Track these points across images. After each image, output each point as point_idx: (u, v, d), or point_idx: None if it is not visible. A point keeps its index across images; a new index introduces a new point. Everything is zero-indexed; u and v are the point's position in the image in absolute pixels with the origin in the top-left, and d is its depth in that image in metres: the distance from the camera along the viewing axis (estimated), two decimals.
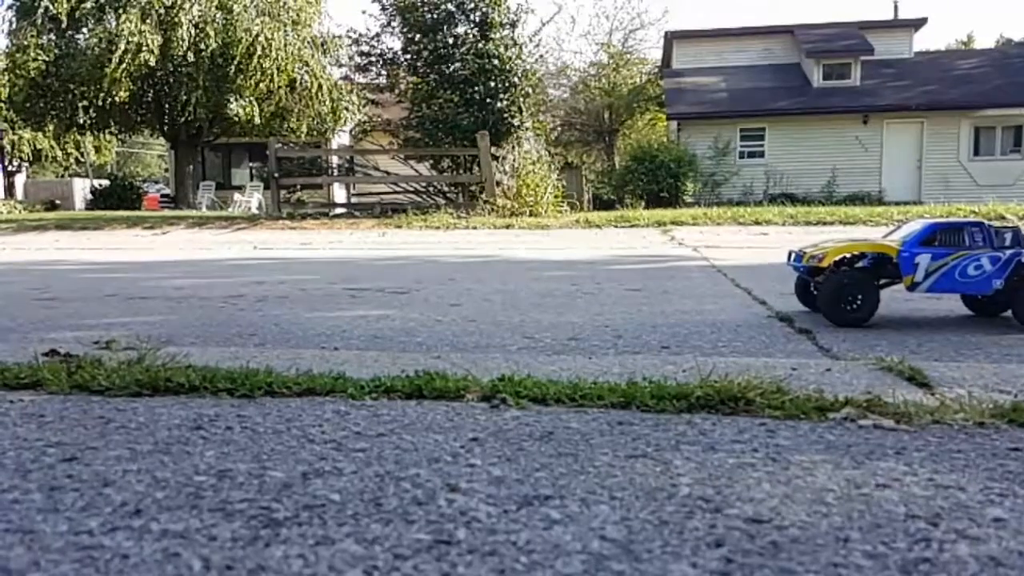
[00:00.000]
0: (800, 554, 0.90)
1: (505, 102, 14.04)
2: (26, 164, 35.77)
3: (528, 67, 14.78)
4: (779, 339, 2.57)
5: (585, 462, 1.21)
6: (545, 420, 1.47)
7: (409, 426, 1.44)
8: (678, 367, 1.97)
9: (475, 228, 10.74)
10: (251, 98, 19.71)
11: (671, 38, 23.87)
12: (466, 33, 14.29)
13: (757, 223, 10.54)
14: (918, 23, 23.00)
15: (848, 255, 3.03)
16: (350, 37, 16.01)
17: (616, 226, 10.75)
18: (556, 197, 13.18)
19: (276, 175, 14.04)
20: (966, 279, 2.83)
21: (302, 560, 0.87)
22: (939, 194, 18.71)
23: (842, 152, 20.25)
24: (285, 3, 19.89)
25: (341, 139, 23.49)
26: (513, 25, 14.56)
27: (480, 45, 13.99)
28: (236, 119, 20.25)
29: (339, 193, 20.64)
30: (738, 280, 4.51)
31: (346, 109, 20.50)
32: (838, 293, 2.82)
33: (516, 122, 14.11)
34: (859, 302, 2.82)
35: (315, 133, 21.25)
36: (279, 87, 19.35)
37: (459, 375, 1.81)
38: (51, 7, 18.99)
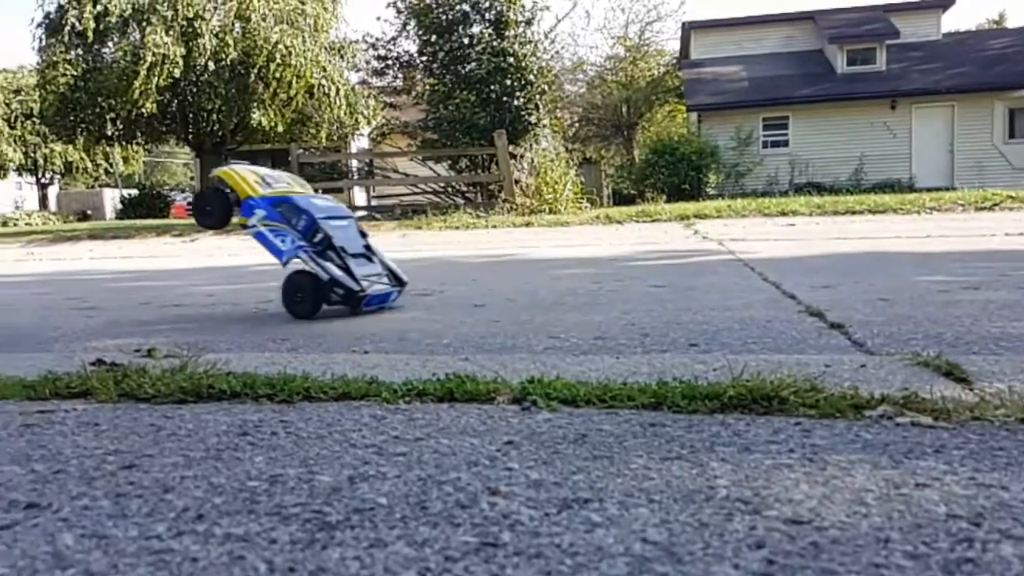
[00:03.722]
0: (841, 555, 0.91)
1: (521, 100, 14.05)
2: (58, 176, 36.50)
3: (544, 64, 14.78)
4: (811, 334, 2.56)
5: (621, 465, 1.23)
6: (577, 422, 1.49)
7: (444, 430, 1.47)
8: (708, 366, 1.97)
9: (494, 227, 10.77)
10: (272, 106, 19.93)
11: (689, 28, 23.71)
12: (481, 32, 14.33)
13: (783, 214, 10.42)
14: (945, 3, 22.56)
15: None
16: (366, 42, 16.14)
17: (637, 221, 10.70)
18: (575, 193, 13.17)
19: None
20: None
21: (358, 562, 0.91)
22: (973, 178, 18.32)
23: (869, 139, 19.97)
24: (303, 11, 20.06)
25: (360, 143, 23.65)
26: (528, 23, 14.57)
27: (495, 44, 14.02)
28: (259, 127, 20.49)
29: (359, 196, 20.80)
30: (765, 274, 4.48)
31: (362, 114, 20.64)
32: None
33: (533, 120, 14.12)
34: None
35: (335, 138, 21.42)
36: (298, 93, 19.54)
37: (488, 377, 1.83)
38: (77, 23, 19.33)
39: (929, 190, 15.50)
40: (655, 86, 27.50)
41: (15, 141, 33.08)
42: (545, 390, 1.69)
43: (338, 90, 20.17)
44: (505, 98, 13.95)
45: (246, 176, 3.59)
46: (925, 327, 2.59)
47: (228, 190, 3.61)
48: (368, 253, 3.72)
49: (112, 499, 1.13)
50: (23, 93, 32.46)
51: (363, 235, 3.79)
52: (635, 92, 27.44)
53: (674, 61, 26.97)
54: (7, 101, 33.34)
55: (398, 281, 3.76)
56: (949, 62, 20.58)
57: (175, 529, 1.02)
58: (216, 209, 3.60)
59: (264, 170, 3.80)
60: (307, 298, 3.43)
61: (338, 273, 3.38)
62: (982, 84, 19.46)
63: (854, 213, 10.21)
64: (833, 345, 2.37)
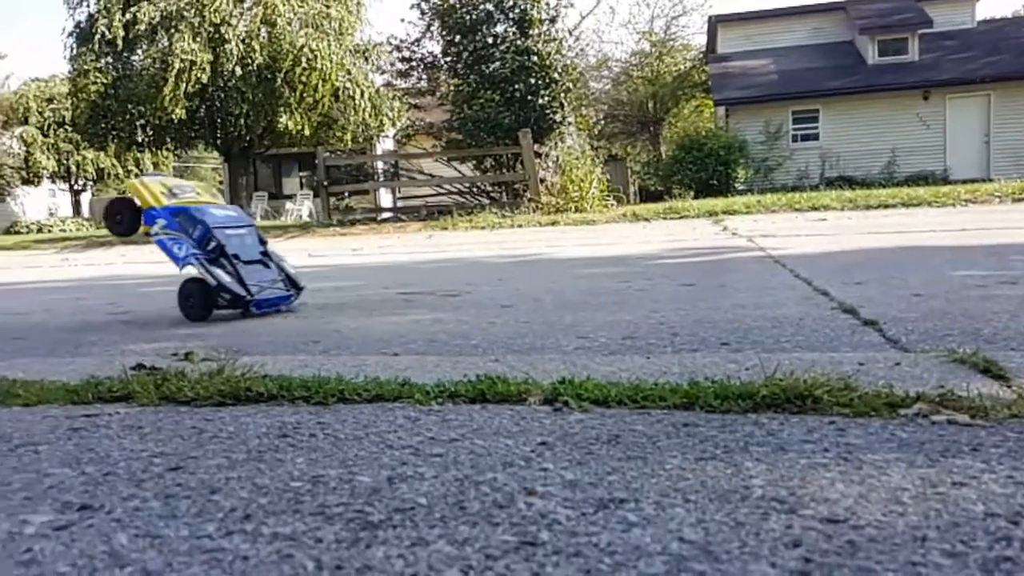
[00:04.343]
0: (878, 553, 0.91)
1: (546, 98, 14.04)
2: (90, 183, 37.27)
3: (568, 62, 14.76)
4: (844, 332, 2.54)
5: (655, 465, 1.24)
6: (610, 423, 1.50)
7: (478, 431, 1.49)
8: (740, 365, 1.97)
9: (520, 227, 10.78)
10: (299, 109, 20.14)
11: (715, 22, 23.49)
12: (505, 31, 14.35)
13: (814, 208, 10.29)
14: None
15: None
16: (391, 44, 16.24)
17: (665, 218, 10.65)
18: (601, 191, 13.14)
19: (325, 183, 14.35)
20: None
21: (402, 560, 0.93)
22: (1010, 169, 17.91)
23: (902, 131, 19.61)
24: (328, 14, 20.24)
25: (385, 144, 23.81)
26: (552, 20, 14.56)
27: (519, 43, 14.02)
28: (286, 130, 20.73)
29: (385, 198, 20.94)
30: (797, 270, 4.44)
31: (387, 115, 20.77)
32: None
33: (558, 118, 14.10)
34: None
35: (360, 140, 21.58)
36: (324, 96, 19.72)
37: (519, 378, 1.84)
38: (107, 32, 19.70)
39: (964, 182, 15.19)
40: (681, 81, 27.31)
41: (48, 149, 33.82)
42: (576, 391, 1.70)
43: (363, 92, 20.32)
44: (530, 97, 13.95)
45: (152, 188, 3.85)
46: (961, 323, 2.56)
47: (137, 201, 3.92)
48: (265, 260, 3.95)
49: (161, 500, 1.16)
50: (55, 101, 33.17)
51: (262, 242, 4.03)
52: (661, 88, 27.27)
53: (701, 56, 26.75)
54: (40, 110, 34.09)
55: (294, 285, 4.00)
56: (984, 50, 20.12)
57: (224, 529, 1.05)
58: (126, 218, 3.92)
59: (174, 181, 4.07)
60: (197, 303, 3.70)
61: (226, 279, 3.63)
62: (1020, 72, 19.00)
63: (887, 207, 10.05)
64: (867, 342, 2.35)
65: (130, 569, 0.94)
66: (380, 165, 18.24)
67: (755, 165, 19.48)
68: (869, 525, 0.98)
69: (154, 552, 0.98)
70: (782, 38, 22.22)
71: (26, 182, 32.84)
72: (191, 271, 3.72)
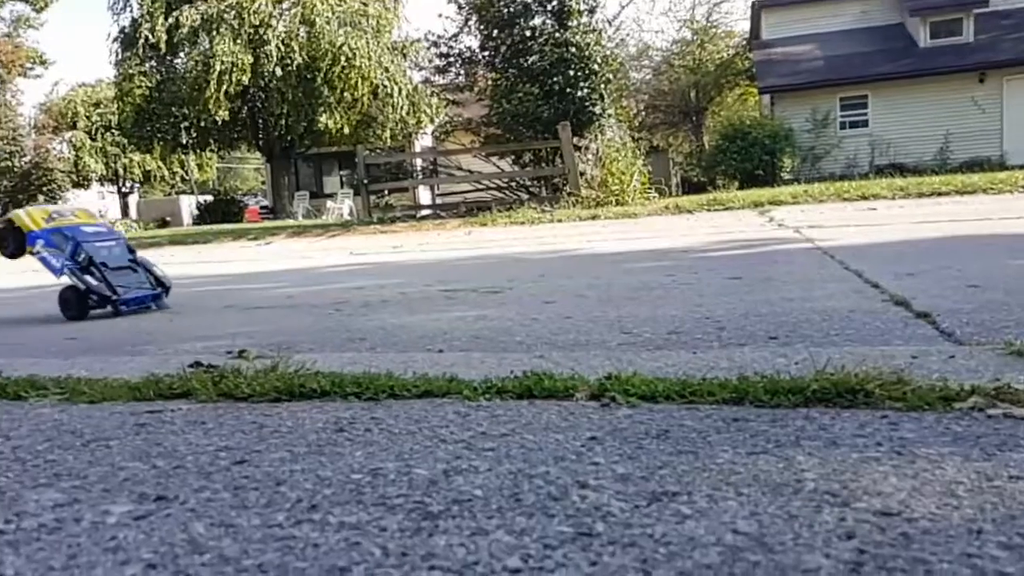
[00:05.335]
0: (933, 545, 0.92)
1: (585, 90, 13.94)
2: (137, 185, 38.31)
3: (608, 52, 14.62)
4: (896, 325, 2.50)
5: (706, 459, 1.26)
6: (658, 418, 1.51)
7: (528, 426, 1.52)
8: (789, 359, 1.96)
9: (560, 221, 10.76)
10: (338, 108, 20.40)
11: (759, 8, 23.08)
12: (543, 24, 14.28)
13: (863, 198, 10.05)
14: None
15: None
16: (428, 40, 16.30)
17: (709, 210, 10.52)
18: (643, 183, 13.03)
19: (365, 182, 14.51)
20: None
21: (464, 548, 0.97)
22: None
23: (956, 115, 18.99)
24: (365, 12, 20.44)
25: (424, 141, 23.99)
26: (591, 11, 14.45)
27: (558, 35, 13.94)
28: (326, 130, 21.01)
29: (424, 195, 21.10)
30: (846, 262, 4.37)
31: (425, 112, 20.91)
32: None
33: (597, 110, 14.00)
34: None
35: (399, 137, 21.78)
36: (363, 95, 19.94)
37: (565, 374, 1.86)
38: (150, 36, 20.20)
39: (1022, 168, 14.69)
40: (724, 69, 26.89)
41: (96, 153, 34.84)
42: (623, 386, 1.71)
43: (400, 90, 20.50)
44: (569, 89, 13.87)
45: (34, 215, 4.65)
46: (1018, 314, 2.50)
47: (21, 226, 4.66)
48: (133, 266, 4.66)
49: (231, 491, 1.22)
50: (102, 106, 34.14)
51: (131, 251, 4.75)
52: (703, 76, 26.88)
53: (744, 42, 26.32)
54: (88, 114, 35.11)
55: (161, 285, 4.66)
56: None
57: (293, 518, 1.10)
58: (12, 242, 4.65)
59: (56, 208, 4.89)
60: (73, 306, 4.37)
61: (93, 284, 4.35)
62: None
63: (940, 195, 9.77)
64: (920, 335, 2.31)
65: (209, 555, 0.99)
66: (419, 162, 18.38)
67: (802, 154, 19.10)
68: (923, 518, 0.99)
69: (229, 540, 1.03)
70: (828, 22, 21.69)
71: (76, 185, 33.90)
72: (67, 280, 4.42)
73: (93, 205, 36.72)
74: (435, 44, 16.00)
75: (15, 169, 27.77)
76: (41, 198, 29.85)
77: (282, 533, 1.05)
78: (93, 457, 1.46)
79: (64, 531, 1.10)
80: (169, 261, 10.41)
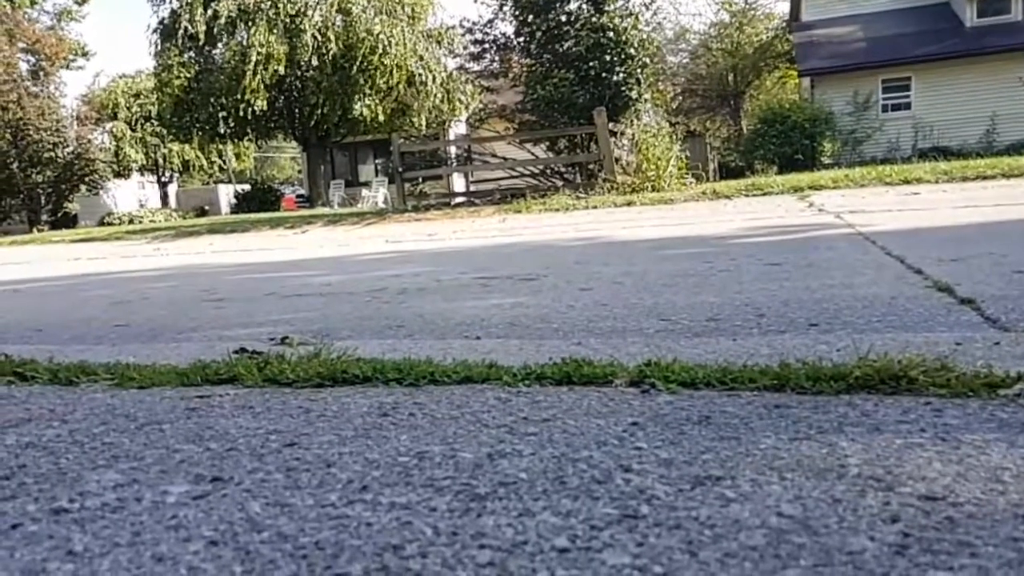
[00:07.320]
0: (978, 528, 0.92)
1: (621, 75, 13.80)
2: (176, 174, 39.05)
3: (645, 36, 14.44)
4: (939, 311, 2.46)
5: (749, 445, 1.26)
6: (699, 404, 1.52)
7: (569, 411, 1.54)
8: (831, 346, 1.95)
9: (595, 208, 10.71)
10: (373, 97, 20.53)
11: None
12: (579, 8, 14.17)
13: (906, 182, 9.83)
14: None
15: None
16: (463, 27, 16.28)
17: (747, 195, 10.38)
18: (679, 169, 12.88)
19: (400, 170, 14.60)
20: None
21: (512, 528, 1.00)
22: None
23: (1002, 96, 18.41)
24: (401, 0, 20.49)
25: (458, 129, 24.02)
26: None
27: (594, 19, 13.81)
28: (361, 118, 21.16)
29: (458, 182, 21.15)
30: (888, 247, 4.30)
31: (459, 100, 20.92)
32: None
33: (634, 95, 13.86)
34: None
35: (433, 125, 21.85)
36: (399, 82, 20.02)
37: (604, 361, 1.87)
38: (189, 27, 20.50)
39: None
40: (763, 52, 26.43)
41: (136, 143, 35.53)
42: (663, 373, 1.71)
43: (435, 78, 20.54)
44: (604, 74, 13.75)
45: None
46: None
47: None
48: None
49: (284, 473, 1.26)
50: (142, 96, 34.78)
51: None
52: (742, 59, 26.46)
53: (783, 24, 25.80)
54: (128, 105, 35.79)
55: None
56: None
57: (346, 498, 1.14)
58: None
59: None
60: None
61: None
62: None
63: (985, 178, 9.51)
64: (964, 322, 2.28)
65: (267, 533, 1.03)
66: (453, 150, 18.44)
67: (842, 137, 18.73)
68: (968, 503, 0.99)
69: (285, 518, 1.08)
70: (870, 3, 21.15)
71: (117, 175, 34.60)
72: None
73: (134, 195, 37.59)
74: (470, 31, 15.98)
75: (59, 160, 28.47)
76: (83, 188, 30.57)
77: (336, 512, 1.08)
78: (148, 440, 1.52)
79: (126, 510, 1.15)
80: (208, 249, 10.63)
